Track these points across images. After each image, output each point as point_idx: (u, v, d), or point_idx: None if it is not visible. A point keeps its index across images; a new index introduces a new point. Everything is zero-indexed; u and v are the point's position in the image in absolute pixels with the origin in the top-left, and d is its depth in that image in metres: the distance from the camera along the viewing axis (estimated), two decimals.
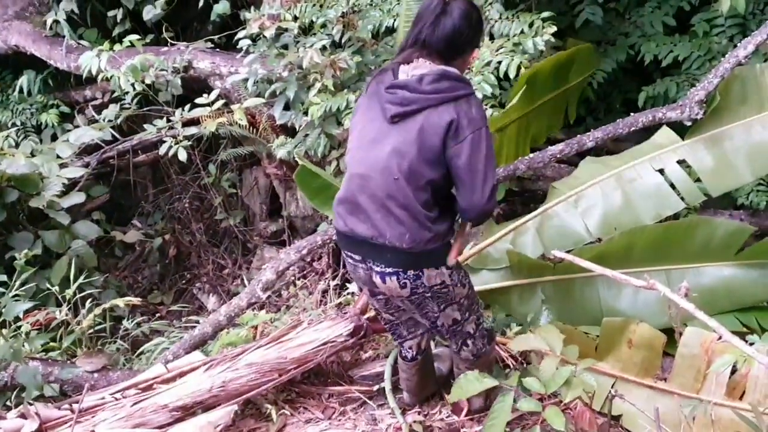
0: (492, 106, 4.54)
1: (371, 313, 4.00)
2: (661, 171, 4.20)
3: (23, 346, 4.11)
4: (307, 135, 5.00)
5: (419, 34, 2.89)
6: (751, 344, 2.79)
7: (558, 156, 4.43)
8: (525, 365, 3.77)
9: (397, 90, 2.86)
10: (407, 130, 2.82)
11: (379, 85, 2.96)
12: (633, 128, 4.36)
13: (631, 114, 4.46)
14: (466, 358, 3.36)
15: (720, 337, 2.73)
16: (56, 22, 6.45)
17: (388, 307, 3.29)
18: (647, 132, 4.43)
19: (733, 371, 3.27)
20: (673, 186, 4.17)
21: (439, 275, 2.99)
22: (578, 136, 4.45)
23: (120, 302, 4.43)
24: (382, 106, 2.90)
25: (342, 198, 2.99)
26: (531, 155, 4.42)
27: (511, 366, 3.81)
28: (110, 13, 6.47)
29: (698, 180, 4.19)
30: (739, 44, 4.24)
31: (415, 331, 3.48)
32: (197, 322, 4.86)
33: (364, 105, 3.05)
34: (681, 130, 4.32)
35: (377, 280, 3.00)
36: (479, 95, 4.41)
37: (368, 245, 2.94)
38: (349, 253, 3.07)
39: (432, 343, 3.69)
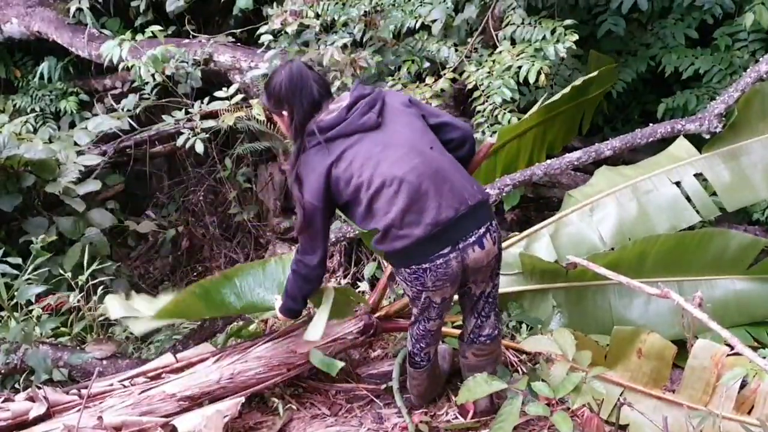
0: (510, 111, 4.55)
1: (381, 312, 4.00)
2: (678, 183, 4.20)
3: (34, 329, 4.13)
4: None
5: (313, 95, 3.08)
6: (763, 358, 2.78)
7: (575, 163, 4.43)
8: (533, 369, 3.76)
9: (358, 104, 3.05)
10: (395, 116, 3.09)
11: (332, 131, 3.03)
12: (651, 139, 4.36)
13: (650, 124, 4.46)
14: (488, 332, 3.36)
15: (732, 349, 2.72)
16: (79, 10, 6.49)
17: (446, 307, 3.29)
18: (665, 143, 4.43)
19: (743, 386, 3.26)
20: (689, 199, 4.17)
21: (497, 224, 3.18)
22: (596, 144, 4.45)
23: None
24: (357, 126, 3.03)
25: (401, 210, 2.97)
26: (548, 162, 4.42)
27: (519, 370, 3.81)
28: (133, 3, 6.51)
29: (714, 194, 4.19)
30: (761, 59, 4.23)
31: (439, 337, 3.52)
32: None
33: (345, 151, 3.03)
34: (698, 142, 4.32)
35: (475, 251, 3.03)
36: (498, 99, 4.44)
37: (455, 223, 2.98)
38: (436, 255, 3.01)
39: None
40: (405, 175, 2.95)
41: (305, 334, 3.48)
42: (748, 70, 4.25)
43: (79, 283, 4.47)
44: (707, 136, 4.27)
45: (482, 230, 3.03)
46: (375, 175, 2.97)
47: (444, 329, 3.91)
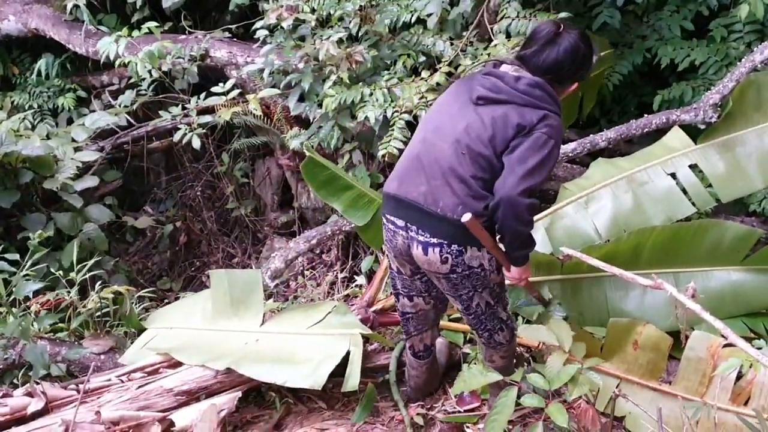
0: None
1: (378, 306, 4.01)
2: (673, 175, 4.20)
3: (32, 325, 4.14)
4: (320, 127, 5.02)
5: (524, 54, 3.01)
6: (759, 349, 2.78)
7: (570, 155, 4.44)
8: (531, 362, 3.77)
9: (492, 77, 2.97)
10: (487, 114, 2.90)
11: (476, 73, 3.08)
12: (646, 129, 4.38)
13: (645, 115, 4.47)
14: (499, 341, 3.34)
15: (726, 340, 2.72)
16: (76, 6, 6.46)
17: (410, 288, 3.31)
18: (661, 135, 4.42)
19: (739, 377, 3.27)
20: (684, 191, 4.17)
21: (480, 257, 2.99)
22: (591, 135, 4.45)
23: (123, 290, 4.43)
24: (471, 87, 2.99)
25: (403, 161, 3.07)
26: None
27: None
28: (130, 0, 6.49)
29: (710, 185, 4.19)
30: (755, 49, 4.23)
31: (421, 329, 3.50)
32: None
33: (454, 86, 3.15)
34: (693, 133, 4.32)
35: (418, 251, 2.98)
36: None
37: (417, 211, 2.94)
38: (391, 218, 3.07)
39: None
40: (424, 140, 3.02)
41: (344, 386, 3.56)
42: (743, 59, 4.25)
43: (77, 279, 4.48)
44: (702, 126, 4.27)
45: (434, 240, 2.93)
46: (426, 120, 3.14)
47: (442, 323, 3.92)
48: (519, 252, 3.03)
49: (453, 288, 3.10)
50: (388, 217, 3.09)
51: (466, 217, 2.82)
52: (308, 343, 3.75)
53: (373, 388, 3.73)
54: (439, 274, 3.03)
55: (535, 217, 4.24)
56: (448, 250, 2.94)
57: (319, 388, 3.49)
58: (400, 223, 3.01)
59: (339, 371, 3.82)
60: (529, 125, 2.85)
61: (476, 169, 2.88)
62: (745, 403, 3.24)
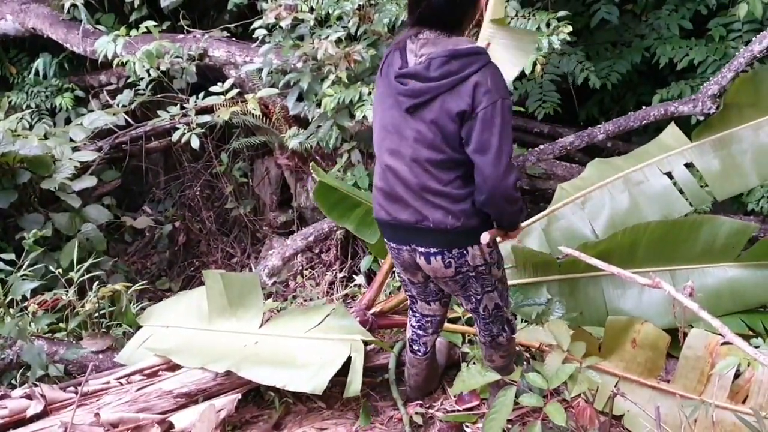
0: None
1: (377, 309, 4.01)
2: (669, 174, 4.20)
3: (29, 325, 4.13)
4: (319, 126, 5.02)
5: (414, 18, 2.82)
6: (756, 347, 2.78)
7: (568, 148, 4.44)
8: (530, 361, 3.77)
9: (407, 80, 2.80)
10: (426, 118, 2.77)
11: (389, 68, 2.89)
12: (645, 122, 4.39)
13: (643, 107, 4.46)
14: (501, 342, 3.33)
15: (724, 338, 2.72)
16: (74, 6, 6.46)
17: (426, 293, 3.32)
18: (659, 133, 4.42)
19: (737, 375, 3.27)
20: (681, 191, 4.17)
21: (481, 254, 2.96)
22: (589, 128, 4.46)
23: (119, 287, 4.43)
24: (395, 97, 2.84)
25: (380, 187, 3.01)
26: (541, 146, 4.43)
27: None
28: None
29: (705, 185, 4.19)
30: (754, 39, 4.21)
31: (436, 330, 3.51)
32: None
33: (381, 87, 2.97)
34: (692, 128, 4.32)
35: (422, 261, 2.99)
36: None
37: (413, 230, 2.93)
38: (390, 240, 3.08)
39: None
40: (386, 169, 2.93)
41: (346, 392, 3.54)
42: (742, 50, 4.24)
43: (76, 279, 4.48)
44: (701, 118, 4.26)
45: (434, 250, 2.92)
46: (376, 138, 2.99)
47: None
48: (515, 221, 2.98)
49: (462, 288, 3.10)
50: (390, 239, 3.10)
51: (485, 238, 2.84)
52: (308, 347, 3.73)
53: (366, 401, 3.73)
54: (446, 277, 3.03)
55: (532, 218, 4.27)
56: (450, 255, 2.93)
57: (320, 393, 3.49)
58: (402, 242, 3.03)
59: (338, 371, 3.84)
60: (468, 108, 2.68)
61: (446, 174, 2.82)
62: (743, 402, 3.23)
